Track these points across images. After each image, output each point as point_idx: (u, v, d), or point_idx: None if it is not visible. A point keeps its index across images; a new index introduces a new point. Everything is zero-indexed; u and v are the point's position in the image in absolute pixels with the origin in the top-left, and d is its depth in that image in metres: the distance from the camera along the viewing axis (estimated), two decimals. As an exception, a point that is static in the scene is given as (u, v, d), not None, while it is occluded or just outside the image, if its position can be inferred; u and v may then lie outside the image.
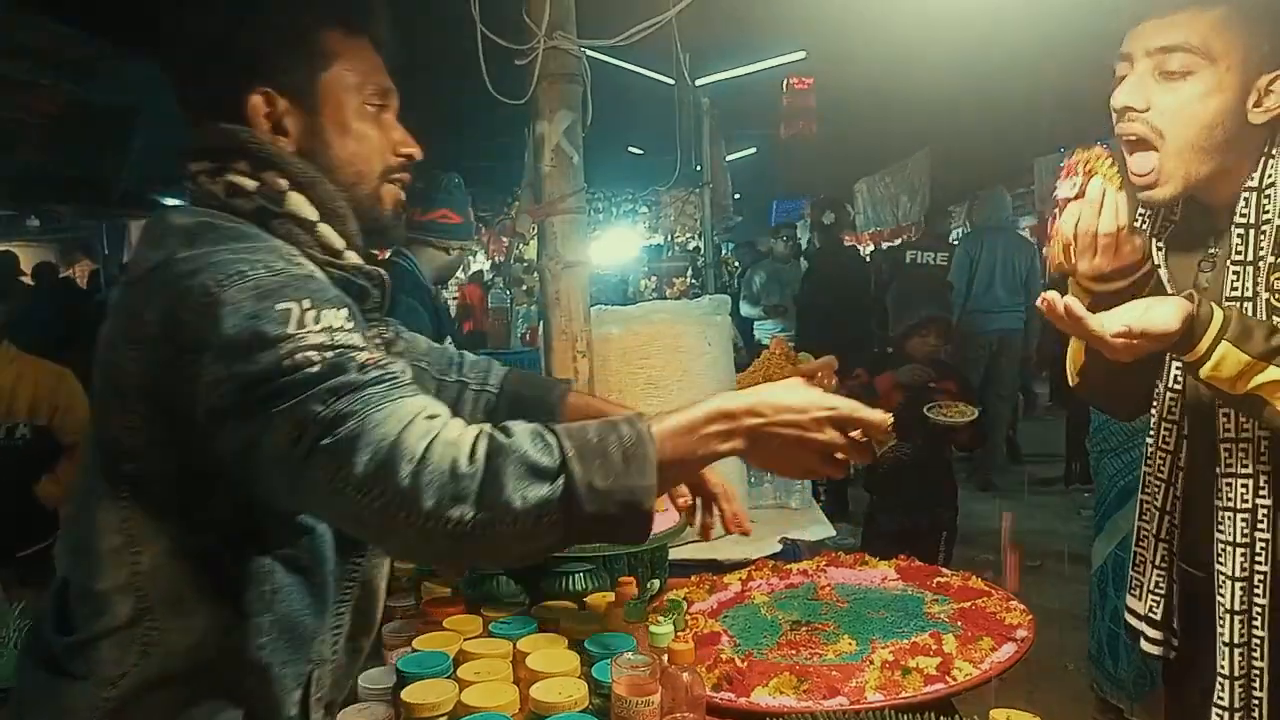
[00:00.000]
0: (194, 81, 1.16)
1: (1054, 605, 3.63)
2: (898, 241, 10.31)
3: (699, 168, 5.37)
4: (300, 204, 1.12)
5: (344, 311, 1.02)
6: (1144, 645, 1.62)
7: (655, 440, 1.01)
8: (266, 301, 0.98)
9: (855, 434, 1.10)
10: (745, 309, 7.97)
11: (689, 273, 10.53)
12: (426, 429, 0.95)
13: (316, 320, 0.98)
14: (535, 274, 3.17)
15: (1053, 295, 1.32)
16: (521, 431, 0.98)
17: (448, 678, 1.38)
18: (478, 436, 0.97)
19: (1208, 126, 1.36)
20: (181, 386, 0.99)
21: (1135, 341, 1.28)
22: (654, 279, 10.20)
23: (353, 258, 1.17)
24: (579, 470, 0.95)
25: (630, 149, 9.75)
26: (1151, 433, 1.61)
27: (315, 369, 0.95)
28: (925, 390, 3.55)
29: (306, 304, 0.99)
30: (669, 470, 1.02)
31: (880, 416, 1.11)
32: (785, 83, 8.48)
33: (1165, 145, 1.38)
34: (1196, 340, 1.29)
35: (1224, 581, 1.45)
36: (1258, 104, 1.36)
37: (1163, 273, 1.51)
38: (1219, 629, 1.46)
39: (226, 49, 1.12)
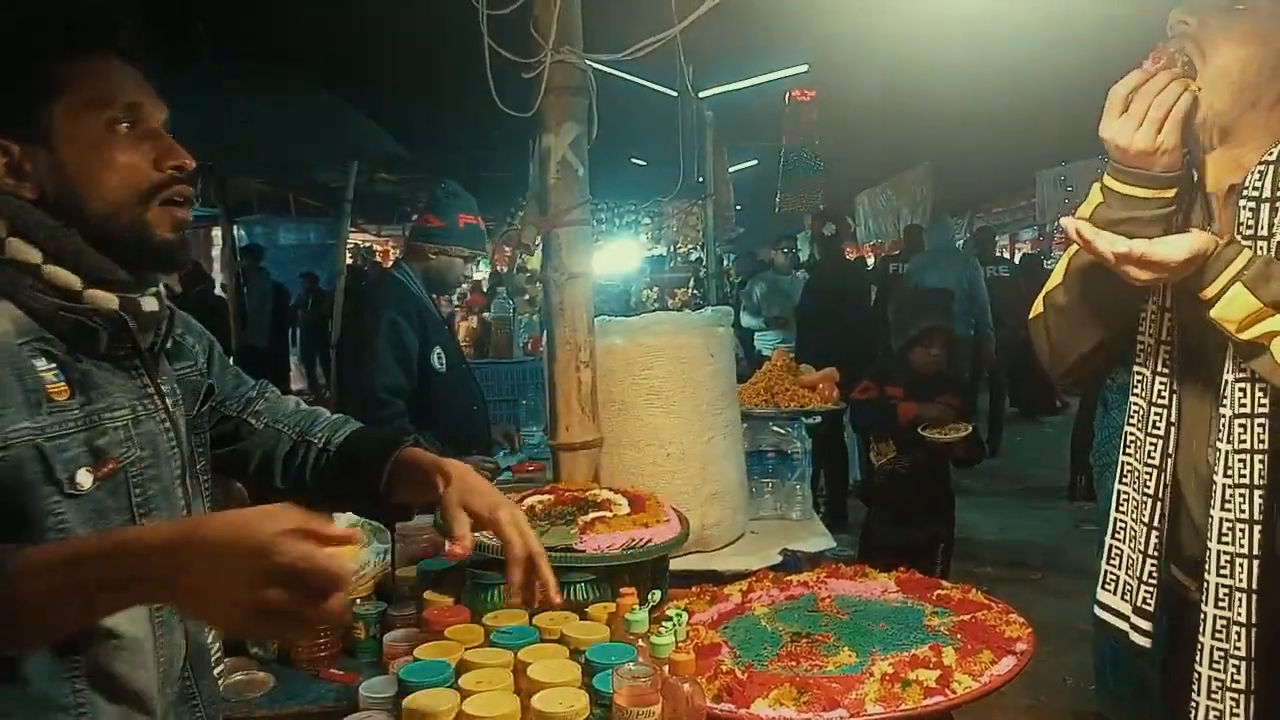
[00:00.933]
0: None
1: (1054, 619, 3.63)
2: (899, 254, 10.36)
3: (701, 179, 5.40)
4: (19, 248, 1.07)
5: None
6: (1136, 638, 1.57)
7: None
8: None
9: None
10: (746, 320, 7.98)
11: (691, 283, 10.54)
12: None
13: None
14: (538, 283, 3.15)
15: (1066, 220, 1.38)
16: None
17: (449, 687, 1.38)
18: None
19: (1237, 90, 1.38)
20: None
21: (1138, 266, 1.31)
22: (656, 289, 10.21)
23: (98, 297, 1.10)
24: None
25: (634, 160, 9.78)
26: (1132, 420, 1.58)
27: None
28: (926, 404, 3.55)
29: None
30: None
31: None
32: (787, 95, 8.52)
33: (1210, 106, 1.39)
34: (1211, 277, 1.31)
35: (1220, 556, 1.42)
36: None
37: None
38: (1200, 629, 1.44)
39: None
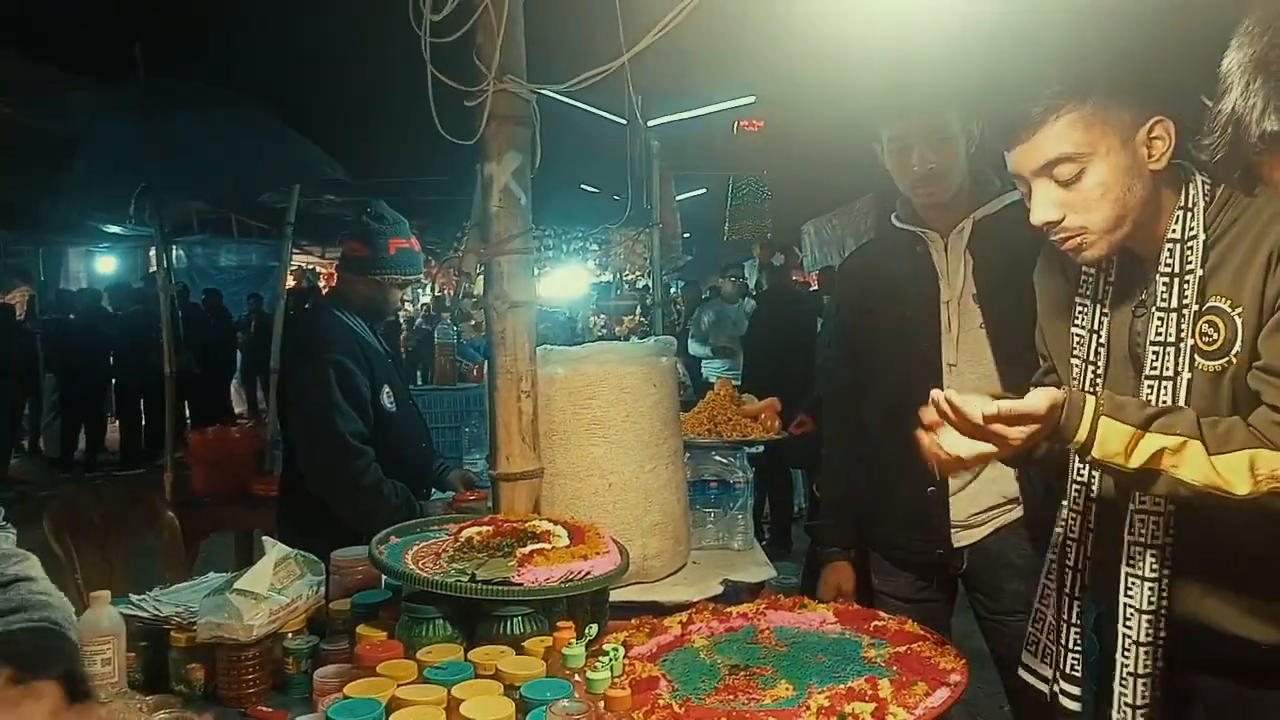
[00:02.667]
0: None
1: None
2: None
3: (650, 207, 5.43)
4: None
5: None
6: (1065, 702, 1.63)
7: None
8: None
9: None
10: (694, 348, 8.02)
11: (638, 310, 10.57)
12: None
13: None
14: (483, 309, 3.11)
15: (935, 392, 1.41)
16: None
17: (379, 726, 1.35)
18: None
19: (1119, 199, 1.44)
20: None
21: (1007, 424, 1.35)
22: (603, 317, 10.22)
23: None
24: None
25: (584, 186, 9.81)
26: (1064, 495, 1.65)
27: None
28: None
29: None
30: None
31: None
32: (735, 125, 8.63)
33: (1091, 230, 1.46)
34: (1076, 423, 1.35)
35: (1131, 614, 1.49)
36: (1149, 156, 1.44)
37: (1102, 331, 1.57)
38: (1123, 661, 1.49)
39: None
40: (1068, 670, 1.62)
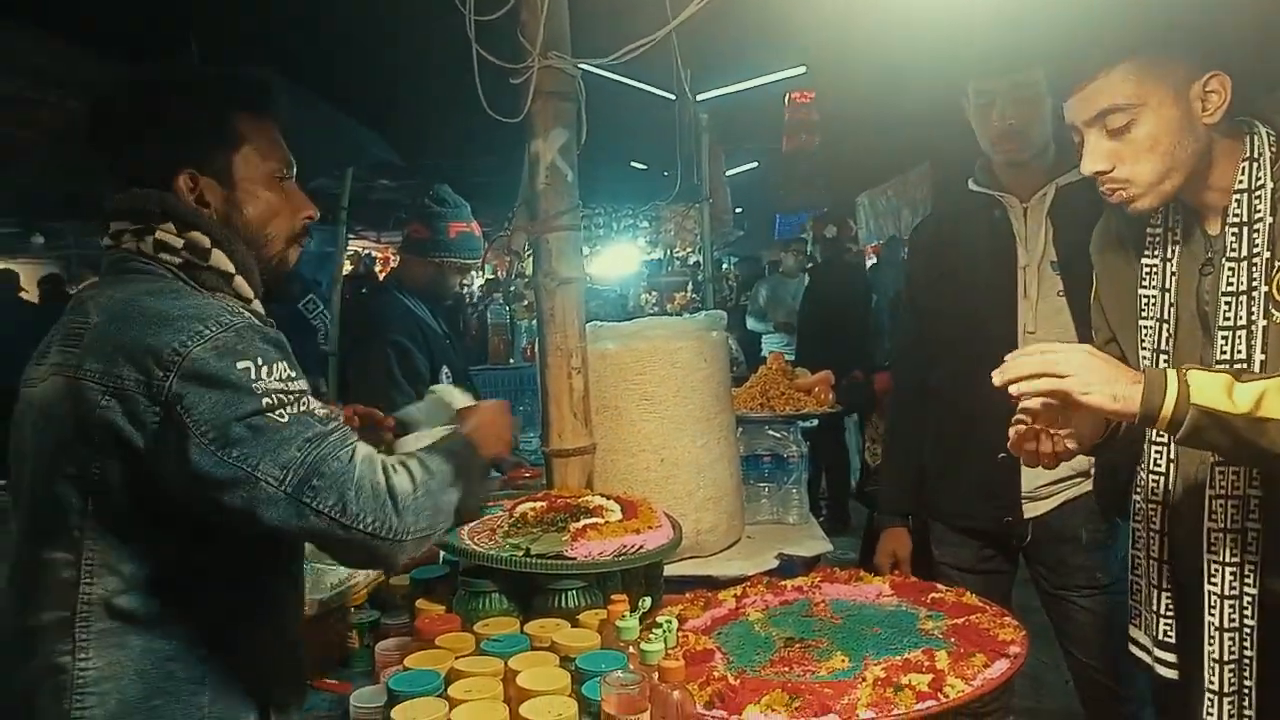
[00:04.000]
0: (130, 158, 1.32)
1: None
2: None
3: (699, 182, 5.39)
4: (221, 259, 1.31)
5: (285, 362, 1.23)
6: (1161, 671, 1.60)
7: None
8: (228, 359, 1.18)
9: None
10: (751, 323, 7.95)
11: (689, 287, 10.52)
12: (381, 465, 1.25)
13: (271, 373, 1.20)
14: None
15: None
16: (430, 458, 1.33)
17: (438, 696, 1.38)
18: (408, 466, 1.29)
19: (1169, 152, 1.43)
20: (157, 438, 1.17)
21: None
22: (655, 294, 10.19)
23: (258, 306, 1.36)
24: (463, 483, 1.34)
25: (633, 164, 9.77)
26: (1142, 461, 1.61)
27: (284, 420, 1.19)
28: None
29: (260, 359, 1.20)
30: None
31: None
32: (786, 97, 8.50)
33: (1138, 183, 1.45)
34: (1160, 393, 1.29)
35: (1215, 600, 1.45)
36: (1204, 110, 1.43)
37: (1172, 290, 1.54)
38: (1209, 646, 1.46)
39: (161, 135, 1.31)
40: (1160, 637, 1.59)
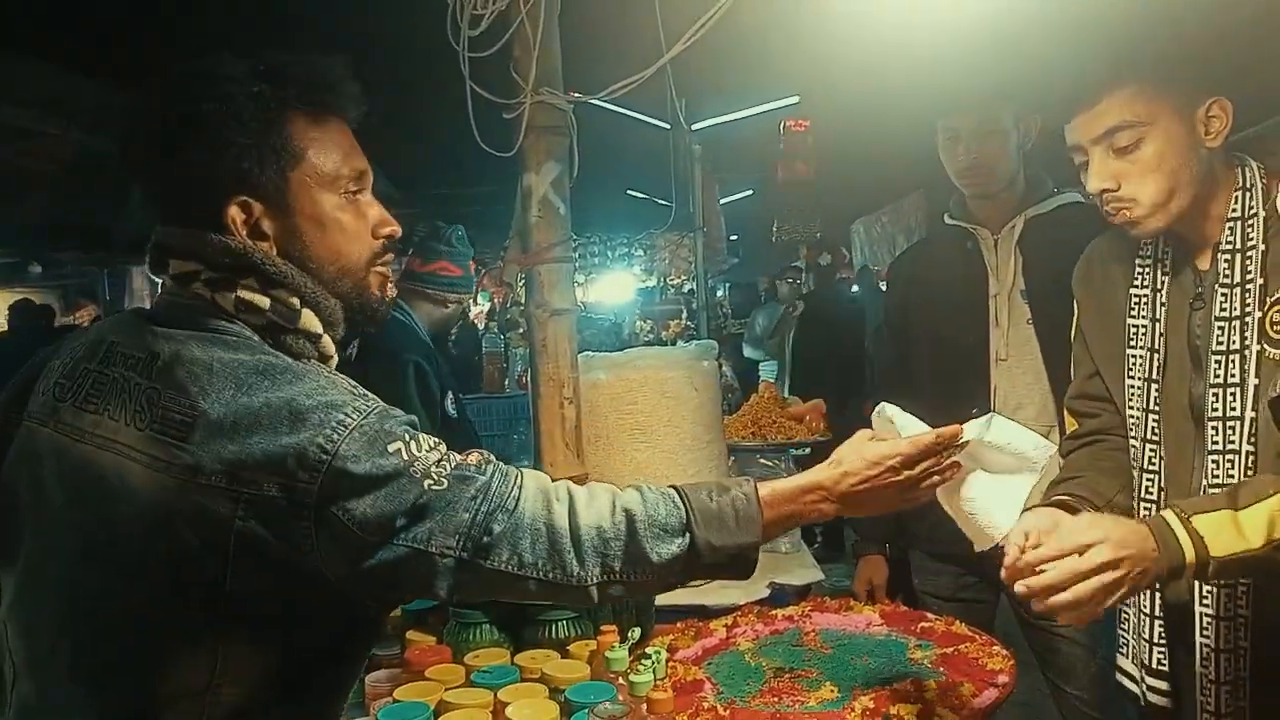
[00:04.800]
0: (173, 184, 1.12)
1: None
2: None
3: (693, 210, 5.44)
4: (311, 320, 1.12)
5: (417, 426, 1.10)
6: (1154, 699, 1.60)
7: (762, 505, 1.17)
8: (378, 447, 1.03)
9: (926, 464, 1.26)
10: (748, 351, 7.95)
11: (683, 315, 10.54)
12: (561, 504, 1.10)
13: (420, 446, 1.06)
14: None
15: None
16: (651, 496, 1.14)
17: (428, 728, 1.39)
18: (614, 503, 1.12)
19: (1174, 172, 1.45)
20: (315, 547, 1.02)
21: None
22: (649, 322, 10.22)
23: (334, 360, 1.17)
24: (700, 531, 1.12)
25: (629, 191, 9.83)
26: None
27: (444, 485, 1.04)
28: None
29: (408, 435, 1.06)
30: (771, 528, 1.20)
31: (946, 431, 1.28)
32: (781, 125, 8.58)
33: (1143, 203, 1.46)
34: (1175, 544, 1.27)
35: (1209, 621, 1.46)
36: (1206, 133, 1.45)
37: (1162, 321, 1.56)
38: (1203, 669, 1.46)
39: (203, 154, 1.08)
40: (1154, 665, 1.59)
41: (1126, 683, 1.66)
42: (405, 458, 1.03)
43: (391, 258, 1.21)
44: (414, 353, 2.78)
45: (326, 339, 1.14)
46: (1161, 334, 1.55)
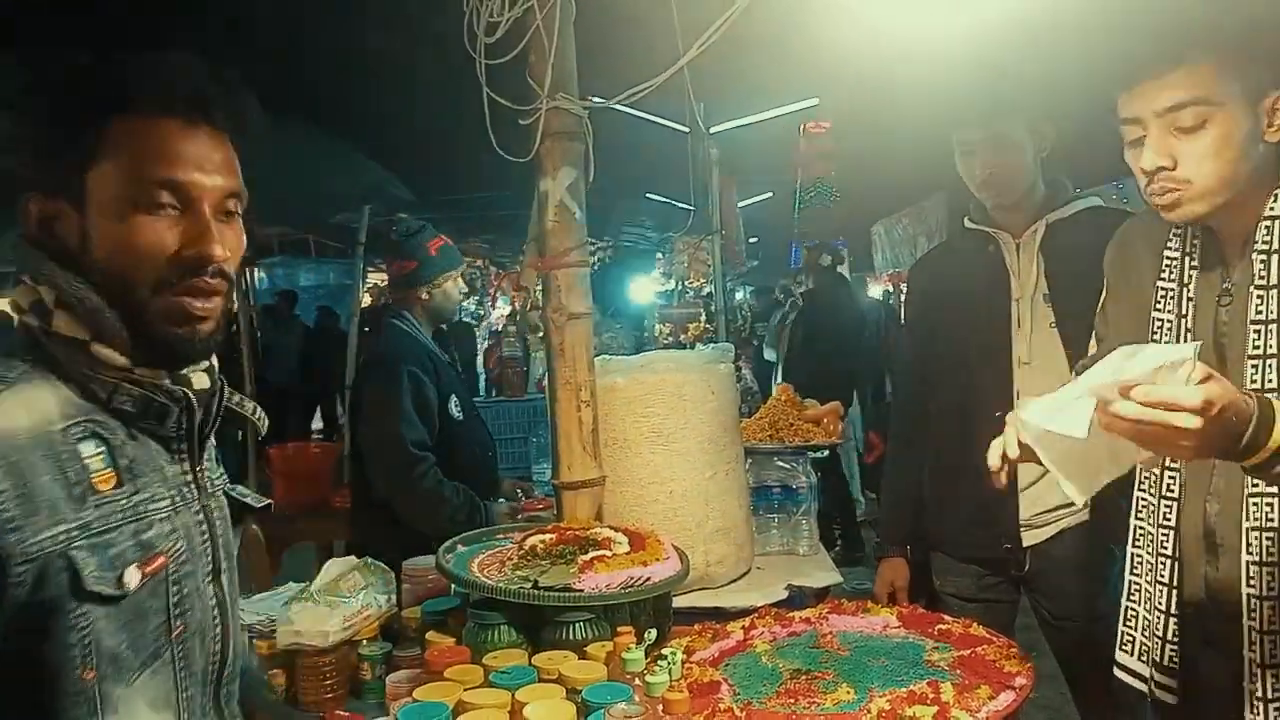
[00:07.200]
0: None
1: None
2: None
3: (711, 213, 5.45)
4: (65, 323, 1.01)
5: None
6: (1161, 696, 1.58)
7: None
8: None
9: None
10: (769, 354, 7.95)
11: (702, 318, 10.54)
12: None
13: None
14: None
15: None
16: None
17: (446, 728, 1.40)
18: None
19: (1233, 162, 1.42)
20: None
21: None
22: (669, 325, 10.22)
23: (151, 375, 1.05)
24: None
25: (649, 195, 9.85)
26: (1142, 486, 1.61)
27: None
28: None
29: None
30: None
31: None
32: (801, 127, 8.56)
33: (1196, 186, 1.43)
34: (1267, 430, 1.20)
35: (1255, 603, 1.44)
36: (1269, 124, 1.42)
37: (1189, 316, 1.53)
38: (1249, 652, 1.44)
39: (16, 147, 1.04)
40: (1165, 663, 1.57)
41: (1128, 679, 1.64)
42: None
43: (206, 285, 1.04)
44: (408, 361, 2.80)
45: (104, 350, 1.02)
46: (1188, 329, 1.53)
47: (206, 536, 1.13)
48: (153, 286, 1.02)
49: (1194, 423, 1.12)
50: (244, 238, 1.10)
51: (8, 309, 1.02)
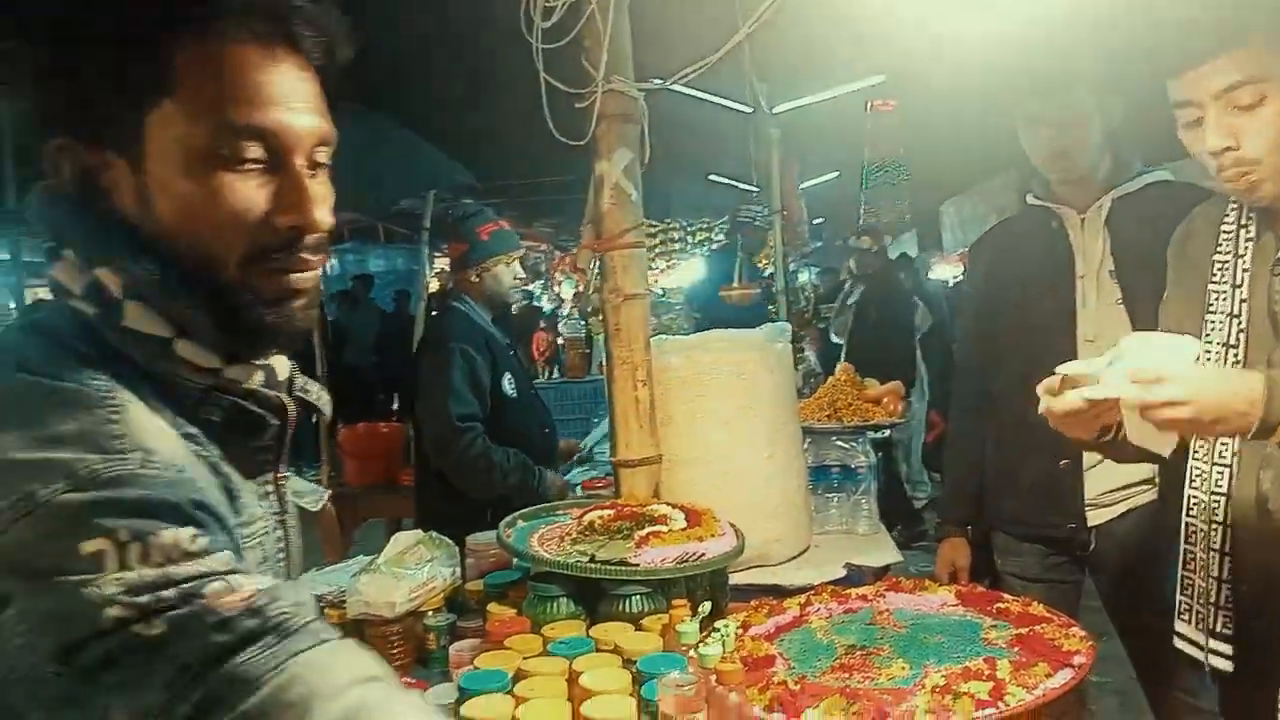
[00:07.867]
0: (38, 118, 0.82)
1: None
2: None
3: (772, 194, 5.42)
4: (140, 316, 0.80)
5: (189, 529, 0.70)
6: (1216, 662, 1.58)
7: None
8: (67, 540, 0.66)
9: None
10: (835, 336, 7.86)
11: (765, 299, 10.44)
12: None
13: (144, 554, 0.67)
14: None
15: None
16: None
17: (505, 694, 1.45)
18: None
19: None
20: None
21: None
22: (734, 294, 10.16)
23: (242, 375, 0.86)
24: None
25: (710, 176, 9.82)
26: (1197, 455, 1.59)
27: (157, 631, 0.65)
28: None
29: (124, 534, 0.67)
30: None
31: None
32: (867, 105, 8.44)
33: (1266, 164, 1.43)
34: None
35: None
36: None
37: (1244, 287, 1.52)
38: None
39: (55, 80, 0.80)
40: (1218, 629, 1.57)
41: (1187, 647, 1.64)
42: (98, 568, 0.65)
43: (306, 260, 0.85)
44: (460, 339, 2.91)
45: (188, 348, 0.82)
46: (1243, 299, 1.52)
47: (284, 559, 0.96)
48: (240, 263, 0.82)
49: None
50: (332, 192, 0.89)
51: (71, 287, 0.81)
